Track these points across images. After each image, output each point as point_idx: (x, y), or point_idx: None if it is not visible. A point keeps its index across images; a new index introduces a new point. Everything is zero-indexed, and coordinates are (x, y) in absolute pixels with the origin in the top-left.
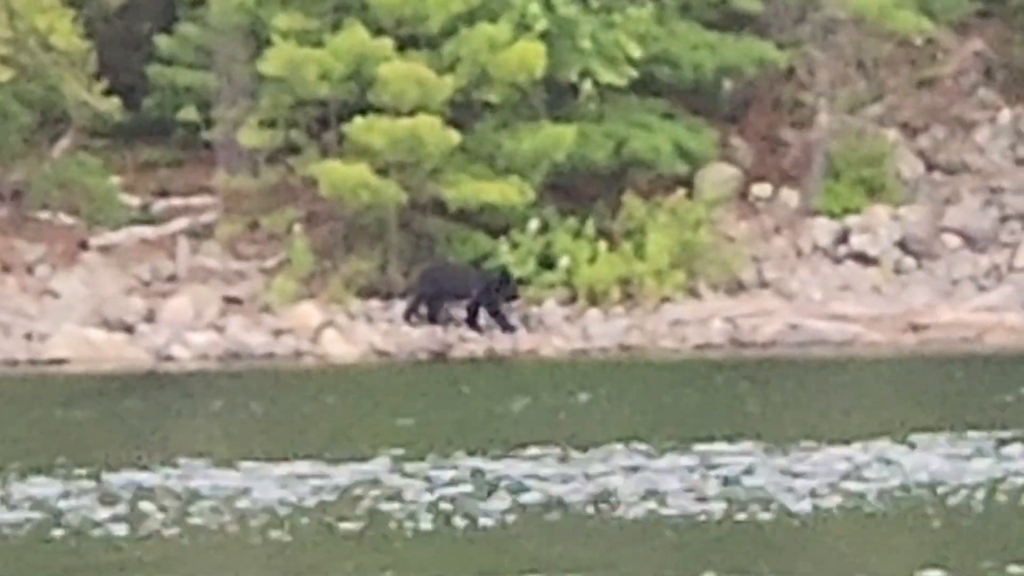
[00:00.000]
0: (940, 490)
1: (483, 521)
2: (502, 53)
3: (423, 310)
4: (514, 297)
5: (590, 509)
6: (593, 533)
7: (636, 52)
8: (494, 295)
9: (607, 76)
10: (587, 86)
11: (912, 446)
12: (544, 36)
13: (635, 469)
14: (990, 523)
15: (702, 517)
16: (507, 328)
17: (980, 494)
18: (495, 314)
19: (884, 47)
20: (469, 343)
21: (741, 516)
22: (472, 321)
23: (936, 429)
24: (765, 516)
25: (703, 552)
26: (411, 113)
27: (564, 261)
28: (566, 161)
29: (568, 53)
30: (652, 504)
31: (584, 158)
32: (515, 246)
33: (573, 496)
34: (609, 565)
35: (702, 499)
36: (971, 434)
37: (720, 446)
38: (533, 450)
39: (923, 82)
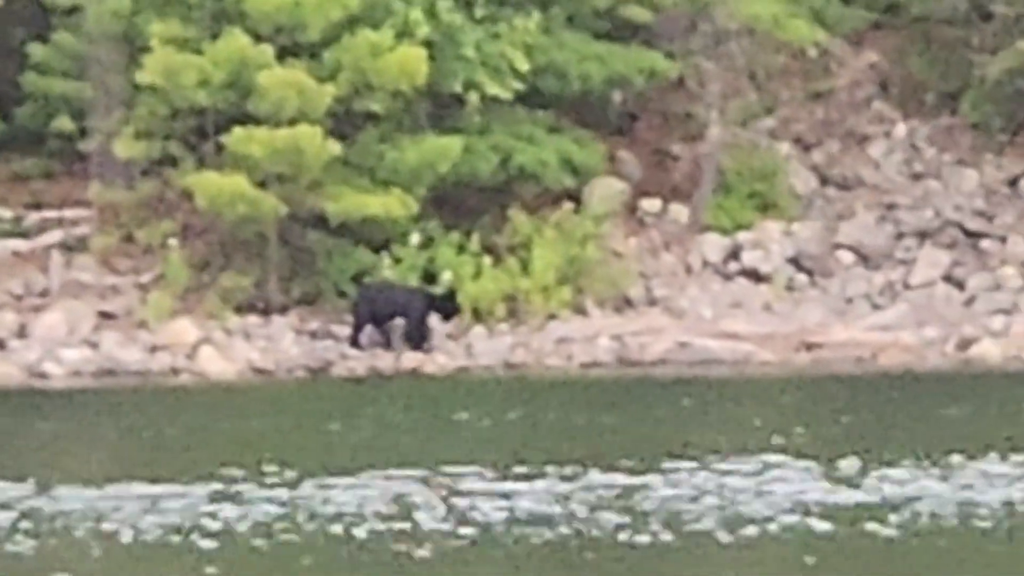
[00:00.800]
0: (814, 512)
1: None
2: (383, 59)
3: (369, 333)
4: (455, 314)
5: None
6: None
7: (523, 64)
8: (426, 313)
9: (492, 88)
10: (472, 98)
11: (791, 468)
12: (428, 45)
13: (503, 494)
14: (847, 549)
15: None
16: (422, 348)
17: (847, 518)
18: (419, 331)
19: (777, 58)
20: (350, 360)
21: (600, 537)
22: (415, 341)
23: (816, 451)
24: (637, 539)
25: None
26: (291, 123)
27: (447, 276)
28: (450, 174)
29: (452, 63)
30: (513, 527)
31: (469, 171)
32: (397, 261)
33: (425, 516)
34: None
35: (566, 522)
36: (851, 457)
37: (597, 467)
38: (391, 471)
39: (817, 95)
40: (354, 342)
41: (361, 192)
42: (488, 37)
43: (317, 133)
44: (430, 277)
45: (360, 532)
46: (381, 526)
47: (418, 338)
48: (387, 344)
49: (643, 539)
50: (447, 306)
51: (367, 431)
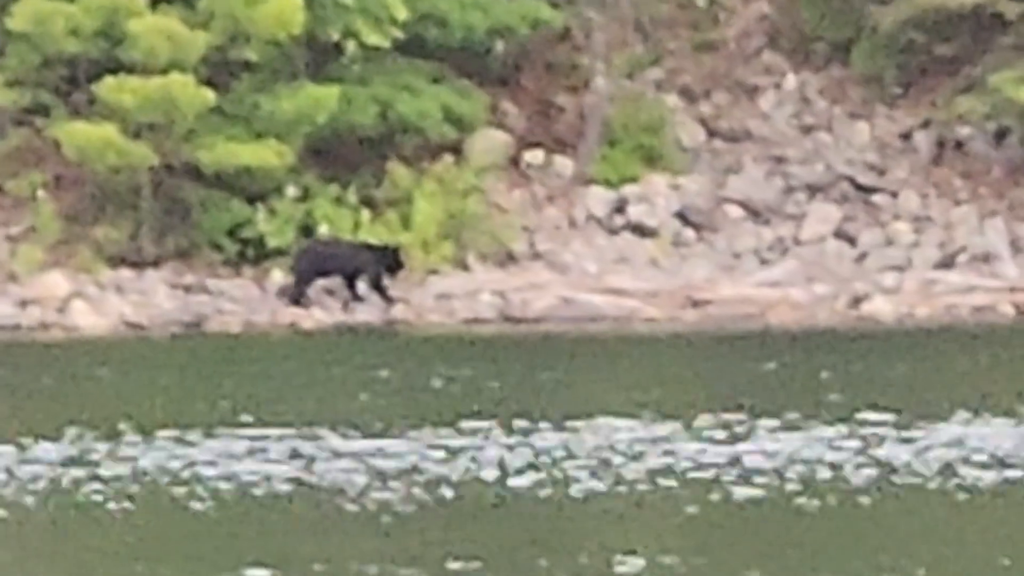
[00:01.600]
0: (691, 475)
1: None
2: (259, 7)
3: (308, 290)
4: (399, 267)
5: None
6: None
7: (401, 12)
8: (380, 267)
9: (371, 36)
10: (351, 46)
11: (667, 427)
12: None
13: (361, 453)
14: (716, 512)
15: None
16: (388, 300)
17: (723, 479)
18: (377, 287)
19: (664, 8)
20: (225, 315)
21: (451, 498)
22: (381, 294)
23: (695, 410)
24: (504, 500)
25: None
26: (164, 72)
27: (325, 230)
28: (328, 125)
29: (330, 11)
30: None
31: (347, 122)
32: (273, 213)
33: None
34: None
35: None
36: (728, 416)
37: (464, 426)
38: (250, 429)
39: (705, 45)
40: (296, 300)
41: (236, 142)
42: None
43: (190, 82)
44: (307, 230)
45: (207, 489)
46: (227, 485)
47: (382, 290)
48: (355, 298)
49: (510, 500)
50: (394, 261)
51: (234, 387)
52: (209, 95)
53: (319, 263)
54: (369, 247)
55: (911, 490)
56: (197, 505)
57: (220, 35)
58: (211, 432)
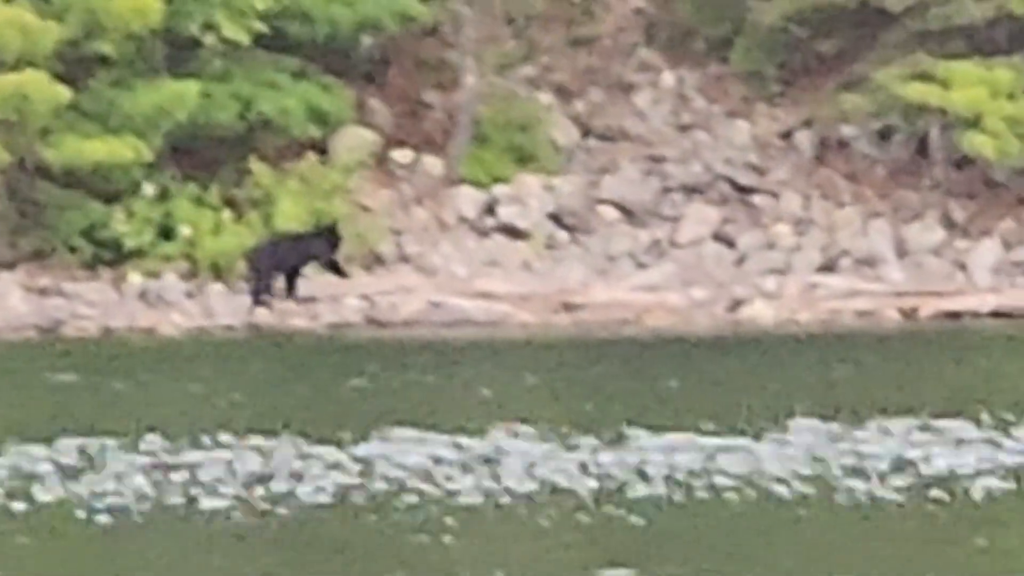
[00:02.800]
0: (553, 487)
1: None
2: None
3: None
4: (340, 242)
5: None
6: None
7: (261, 4)
8: (331, 249)
9: (231, 30)
10: (210, 40)
11: (534, 437)
12: None
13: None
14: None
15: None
16: (345, 274)
17: (588, 491)
18: (334, 267)
19: (537, 3)
20: (82, 320)
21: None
22: (341, 274)
23: (564, 419)
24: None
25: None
26: (16, 67)
27: (185, 231)
28: (188, 123)
29: (189, 3)
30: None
31: (208, 120)
32: (130, 214)
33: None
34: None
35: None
36: (602, 426)
37: (310, 436)
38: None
39: (579, 41)
40: (259, 300)
41: (91, 139)
42: None
43: (44, 78)
44: (166, 232)
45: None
46: (48, 496)
47: (339, 268)
48: (291, 293)
49: (368, 515)
50: (336, 237)
51: (77, 395)
52: (64, 91)
53: (277, 258)
54: (315, 234)
55: (783, 503)
56: None
57: (75, 28)
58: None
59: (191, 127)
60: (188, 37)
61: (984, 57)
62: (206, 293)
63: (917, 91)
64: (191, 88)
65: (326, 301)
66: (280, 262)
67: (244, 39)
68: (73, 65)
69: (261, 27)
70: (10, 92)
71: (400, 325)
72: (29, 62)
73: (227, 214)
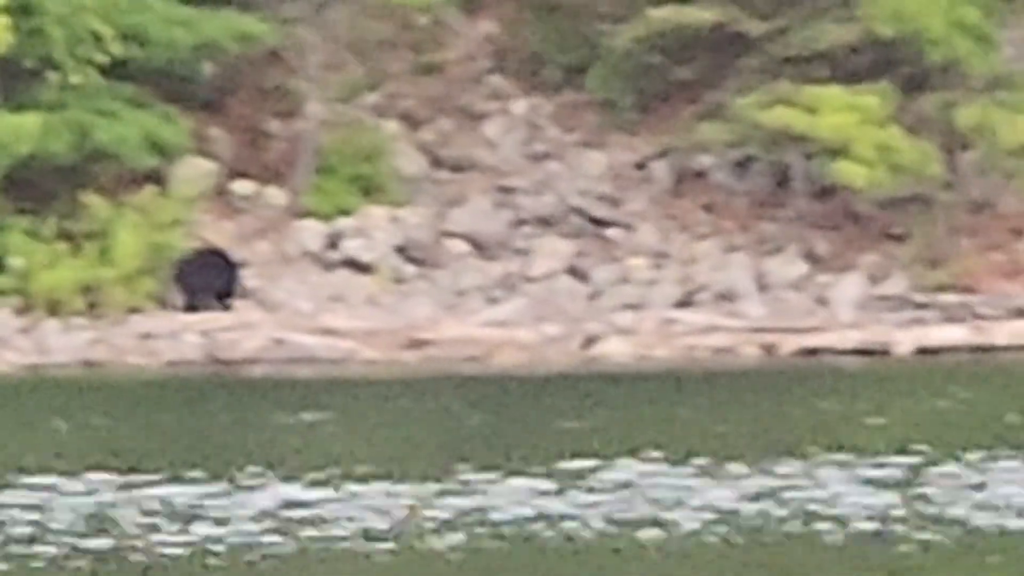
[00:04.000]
0: (380, 533)
1: None
2: None
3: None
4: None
5: None
6: None
7: (110, 32)
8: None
9: (75, 71)
10: (52, 76)
11: (364, 484)
12: (7, 12)
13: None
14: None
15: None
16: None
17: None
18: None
19: (383, 28)
20: None
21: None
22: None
23: (398, 463)
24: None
25: None
26: None
27: (18, 264)
28: (22, 154)
29: (34, 36)
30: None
31: (43, 150)
32: None
33: None
34: None
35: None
36: (439, 470)
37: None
38: None
39: (427, 68)
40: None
41: None
42: (72, 10)
43: None
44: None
45: None
46: None
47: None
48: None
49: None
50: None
51: None
52: None
53: (198, 276)
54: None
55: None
56: None
57: None
58: None
59: (26, 158)
60: (28, 68)
61: (849, 83)
62: (40, 329)
63: (780, 117)
64: (32, 120)
65: (165, 338)
66: (201, 279)
67: (85, 78)
68: None
69: (103, 59)
70: None
71: (241, 363)
72: None
73: (62, 247)
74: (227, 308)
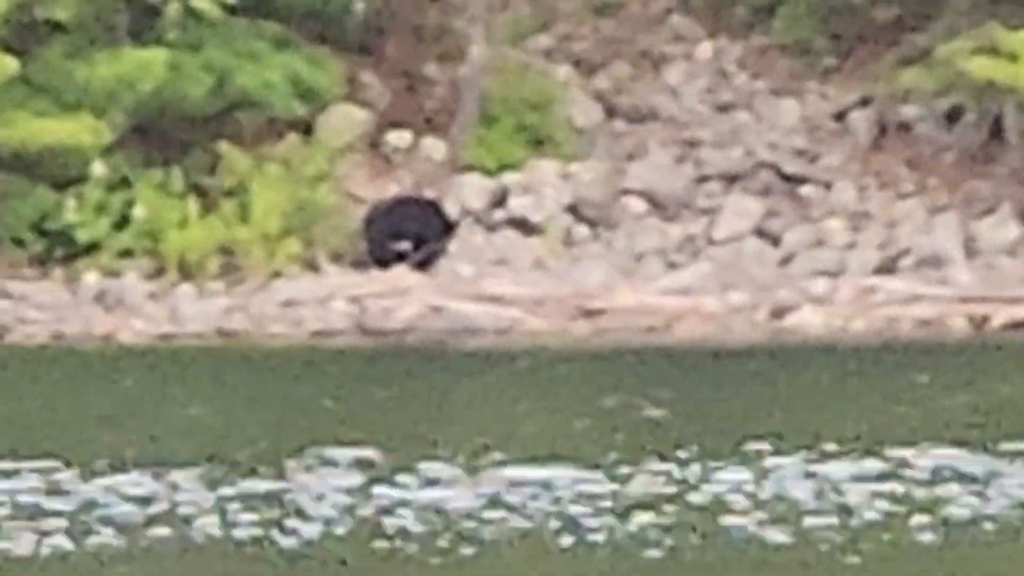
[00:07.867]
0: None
1: None
2: None
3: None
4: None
5: None
6: None
7: None
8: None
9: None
10: (172, 8)
11: (550, 470)
12: None
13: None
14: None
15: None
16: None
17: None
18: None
19: None
20: (30, 325)
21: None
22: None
23: (587, 451)
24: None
25: None
26: None
27: (146, 222)
28: (153, 99)
29: None
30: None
31: (175, 95)
32: (83, 202)
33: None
34: None
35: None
36: (628, 456)
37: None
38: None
39: (603, 8)
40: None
41: (44, 118)
42: None
43: None
44: (123, 222)
45: None
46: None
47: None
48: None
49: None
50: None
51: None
52: (11, 62)
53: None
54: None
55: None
56: None
57: None
58: None
59: (156, 104)
60: (152, 2)
61: None
62: (172, 295)
63: (982, 67)
64: (158, 57)
65: (310, 305)
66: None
67: (214, 11)
68: (22, 33)
69: None
70: None
71: (393, 333)
72: None
73: (196, 204)
74: (426, 268)
